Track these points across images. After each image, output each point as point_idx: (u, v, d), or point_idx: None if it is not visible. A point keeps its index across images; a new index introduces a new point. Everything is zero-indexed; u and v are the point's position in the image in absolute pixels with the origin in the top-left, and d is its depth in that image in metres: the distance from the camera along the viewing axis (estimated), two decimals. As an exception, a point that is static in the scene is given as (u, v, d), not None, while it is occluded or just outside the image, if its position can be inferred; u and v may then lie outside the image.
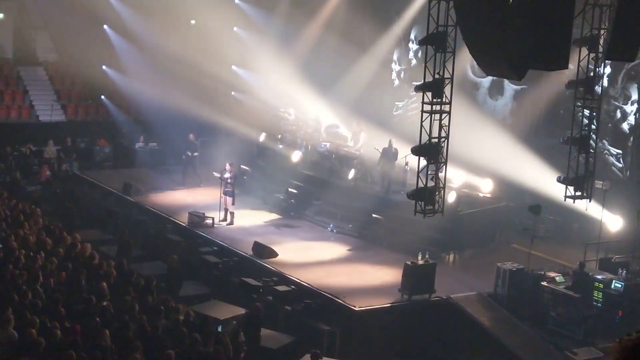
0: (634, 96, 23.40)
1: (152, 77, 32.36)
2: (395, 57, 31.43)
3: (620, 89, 23.68)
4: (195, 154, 29.25)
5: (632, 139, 23.47)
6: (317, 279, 20.08)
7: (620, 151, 23.76)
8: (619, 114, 23.61)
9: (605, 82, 19.63)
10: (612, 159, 23.43)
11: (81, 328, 13.79)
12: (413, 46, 30.21)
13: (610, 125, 23.74)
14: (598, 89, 19.75)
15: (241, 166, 26.95)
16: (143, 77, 32.18)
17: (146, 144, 31.88)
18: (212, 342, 14.47)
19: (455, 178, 23.40)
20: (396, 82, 31.51)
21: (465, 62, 25.86)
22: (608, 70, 19.74)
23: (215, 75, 32.79)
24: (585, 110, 19.76)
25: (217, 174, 24.30)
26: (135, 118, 33.41)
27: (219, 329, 17.10)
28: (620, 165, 23.78)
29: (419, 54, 28.96)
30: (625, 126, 23.70)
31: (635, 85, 23.41)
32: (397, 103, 31.26)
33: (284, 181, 26.89)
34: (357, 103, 29.54)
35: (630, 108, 23.56)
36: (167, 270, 20.74)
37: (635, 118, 23.44)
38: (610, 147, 23.64)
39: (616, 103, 23.41)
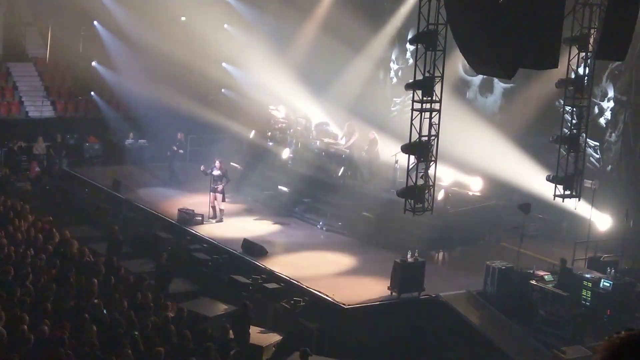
0: (610, 93, 23.76)
1: (142, 74, 32.30)
2: (393, 56, 31.53)
3: (604, 88, 23.87)
4: (180, 151, 29.14)
5: (613, 135, 23.67)
6: (307, 276, 20.07)
7: (597, 143, 24.01)
8: (596, 110, 23.82)
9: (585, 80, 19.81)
10: (589, 150, 23.56)
11: (70, 325, 13.77)
12: (410, 46, 30.24)
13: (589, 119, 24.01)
14: (587, 88, 19.84)
15: (231, 163, 26.91)
16: (133, 73, 32.11)
17: (136, 141, 31.83)
18: (201, 339, 14.47)
19: (445, 176, 23.45)
20: (394, 80, 31.58)
21: (456, 60, 25.91)
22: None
23: (206, 72, 32.76)
24: (574, 109, 19.84)
25: (202, 168, 24.21)
26: (125, 115, 33.30)
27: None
28: (598, 156, 24.02)
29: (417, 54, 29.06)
30: (602, 121, 24.07)
31: (611, 84, 23.65)
32: (395, 99, 31.36)
33: (273, 179, 26.88)
34: (350, 101, 29.57)
35: (607, 104, 23.99)
36: (156, 267, 20.73)
37: (612, 114, 23.72)
38: (588, 140, 23.82)
39: (594, 100, 23.60)
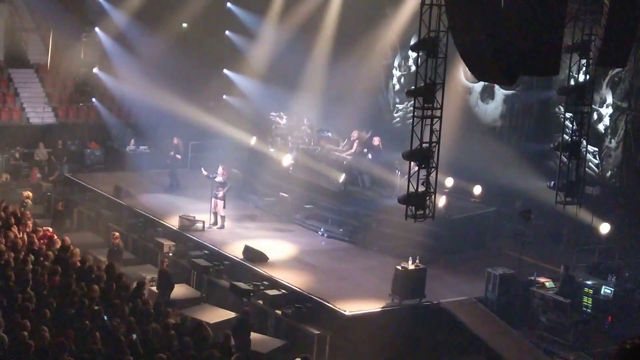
0: (609, 100, 23.77)
1: (144, 80, 32.34)
2: (395, 63, 31.58)
3: (604, 95, 23.90)
4: (178, 156, 29.11)
5: (613, 141, 23.71)
6: (308, 283, 20.09)
7: (596, 149, 24.04)
8: (595, 116, 23.84)
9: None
10: (589, 156, 23.61)
11: (73, 332, 13.75)
12: (412, 53, 30.28)
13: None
14: (588, 95, 19.87)
15: (232, 170, 26.90)
16: (134, 80, 32.14)
17: (137, 147, 31.83)
18: (202, 345, 14.45)
19: (446, 183, 23.45)
20: (397, 86, 31.62)
21: (457, 67, 25.94)
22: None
23: (207, 78, 32.80)
24: (575, 115, 19.86)
25: (205, 172, 24.21)
26: (126, 121, 33.34)
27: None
28: (597, 161, 24.04)
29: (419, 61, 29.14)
30: (601, 127, 24.10)
31: (611, 90, 23.69)
32: (397, 106, 31.40)
33: (274, 185, 26.87)
34: (352, 108, 29.57)
35: (605, 111, 23.99)
36: (157, 273, 20.73)
37: (611, 120, 23.75)
38: (587, 145, 23.91)
39: (593, 106, 23.70)
